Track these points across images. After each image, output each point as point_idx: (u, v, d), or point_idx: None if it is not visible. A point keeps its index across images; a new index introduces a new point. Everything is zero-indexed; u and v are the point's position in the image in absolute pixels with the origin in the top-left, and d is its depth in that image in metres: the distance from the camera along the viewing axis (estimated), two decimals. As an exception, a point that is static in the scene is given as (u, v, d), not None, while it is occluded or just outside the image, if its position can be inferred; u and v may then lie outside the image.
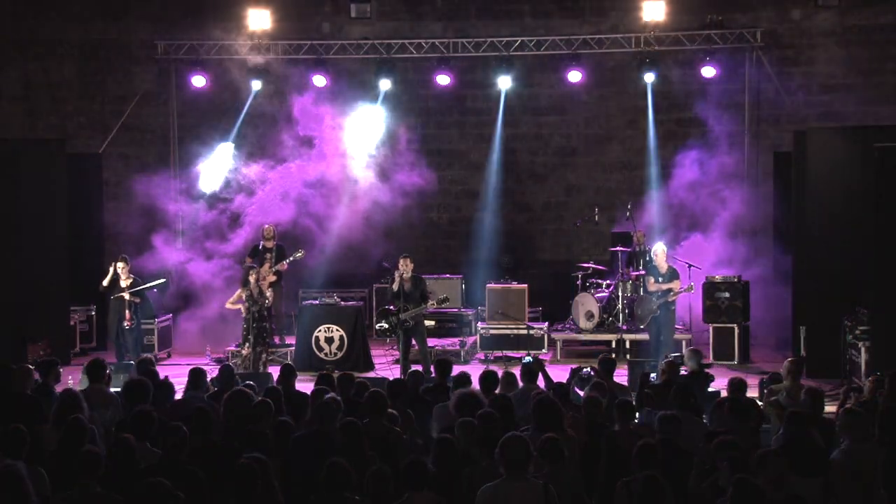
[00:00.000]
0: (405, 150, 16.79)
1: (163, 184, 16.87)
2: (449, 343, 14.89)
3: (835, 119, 16.42)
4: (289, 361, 13.41)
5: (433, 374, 10.37)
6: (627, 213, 15.36)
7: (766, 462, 5.83)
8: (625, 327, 14.72)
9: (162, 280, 14.60)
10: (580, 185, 17.68)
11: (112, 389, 8.92)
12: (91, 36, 17.70)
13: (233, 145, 16.79)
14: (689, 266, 14.33)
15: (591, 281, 15.30)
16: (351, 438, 6.63)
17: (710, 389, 10.40)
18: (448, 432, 6.84)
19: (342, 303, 14.37)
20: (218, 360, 13.39)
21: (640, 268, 14.53)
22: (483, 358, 14.59)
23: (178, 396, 8.98)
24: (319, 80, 16.48)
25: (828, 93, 16.80)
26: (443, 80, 16.55)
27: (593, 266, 15.45)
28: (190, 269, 15.97)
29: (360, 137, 16.57)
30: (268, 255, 14.21)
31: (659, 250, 13.71)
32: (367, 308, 15.51)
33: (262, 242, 14.63)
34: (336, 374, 9.22)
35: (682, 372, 10.16)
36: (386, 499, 5.74)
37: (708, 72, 16.13)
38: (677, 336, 14.02)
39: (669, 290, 13.41)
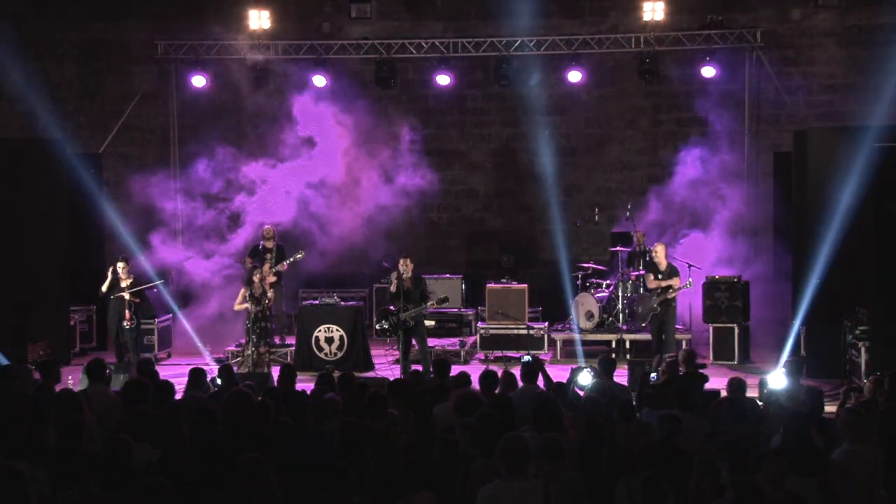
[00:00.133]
0: (405, 151, 16.80)
1: (163, 184, 16.88)
2: (449, 343, 14.90)
3: (835, 119, 16.43)
4: (289, 361, 13.44)
5: (432, 375, 10.35)
6: (627, 213, 15.37)
7: (765, 462, 5.83)
8: (625, 327, 14.72)
9: (161, 280, 14.61)
10: (580, 185, 17.68)
11: (112, 389, 8.92)
12: (91, 36, 17.71)
13: (232, 147, 16.76)
14: (690, 266, 14.32)
15: (591, 281, 15.30)
16: (351, 438, 6.63)
17: (709, 389, 10.41)
18: (448, 432, 6.84)
19: (342, 303, 14.37)
20: (218, 360, 13.39)
21: (641, 268, 14.53)
22: (483, 358, 14.59)
23: (178, 397, 8.97)
24: (319, 80, 16.48)
25: (828, 93, 16.81)
26: (443, 80, 16.55)
27: (593, 266, 15.46)
28: (190, 269, 15.98)
29: (358, 138, 16.57)
30: (268, 256, 14.22)
31: (659, 248, 13.71)
32: (367, 308, 15.52)
33: (262, 242, 14.63)
34: (336, 375, 9.23)
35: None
36: (386, 499, 5.74)
37: (708, 72, 16.14)
38: (677, 336, 14.00)
39: (669, 286, 13.41)
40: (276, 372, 10.74)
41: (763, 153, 16.71)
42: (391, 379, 10.30)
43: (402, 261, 12.90)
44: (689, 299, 14.80)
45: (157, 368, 10.10)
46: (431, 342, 13.85)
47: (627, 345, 14.46)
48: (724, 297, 14.44)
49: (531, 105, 17.43)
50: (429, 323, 14.22)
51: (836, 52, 16.77)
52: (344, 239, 16.53)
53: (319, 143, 16.47)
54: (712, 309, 14.50)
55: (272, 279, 13.63)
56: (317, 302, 14.54)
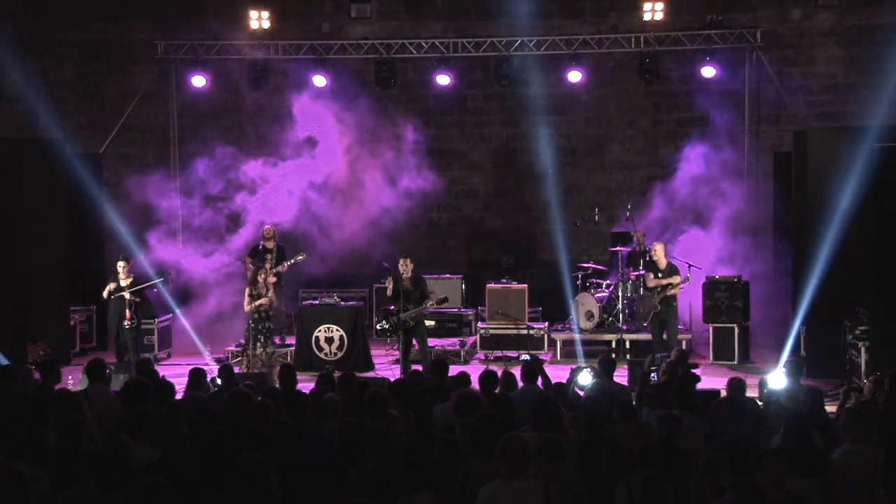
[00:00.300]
0: (405, 151, 16.80)
1: (162, 183, 16.88)
2: (449, 343, 14.90)
3: (835, 119, 16.43)
4: (289, 361, 13.43)
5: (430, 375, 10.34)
6: (627, 213, 15.36)
7: (765, 462, 5.83)
8: (625, 327, 14.72)
9: (161, 279, 14.60)
10: (580, 185, 17.68)
11: (112, 389, 8.92)
12: (91, 36, 17.71)
13: (232, 146, 16.78)
14: (690, 266, 14.32)
15: (591, 281, 15.30)
16: (351, 438, 6.63)
17: (709, 389, 10.41)
18: (448, 432, 6.84)
19: (342, 303, 14.37)
20: (218, 360, 13.38)
21: (641, 268, 14.53)
22: (483, 358, 14.59)
23: (179, 397, 8.97)
24: (319, 80, 16.48)
25: (828, 93, 16.81)
26: (443, 80, 16.55)
27: (593, 266, 15.46)
28: (189, 268, 15.98)
29: (358, 138, 16.58)
30: (268, 256, 14.22)
31: (658, 246, 13.74)
32: (367, 308, 15.51)
33: (262, 243, 14.63)
34: (336, 375, 9.23)
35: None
36: (386, 499, 5.74)
37: (708, 72, 16.14)
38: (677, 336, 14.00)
39: (669, 284, 13.43)
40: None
41: (763, 153, 16.71)
42: (391, 379, 10.31)
43: (401, 261, 12.90)
44: (689, 299, 14.80)
45: (157, 368, 10.11)
46: (431, 342, 13.85)
47: (627, 345, 14.46)
48: (724, 297, 14.44)
49: (531, 105, 17.44)
50: (429, 323, 14.22)
51: (836, 52, 16.77)
52: (344, 239, 16.54)
53: (319, 144, 16.47)
54: (712, 309, 14.49)
55: (272, 279, 13.64)
56: (317, 302, 14.53)
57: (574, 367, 10.88)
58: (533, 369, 9.00)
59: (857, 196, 12.55)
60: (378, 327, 13.08)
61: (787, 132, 15.53)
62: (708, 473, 6.39)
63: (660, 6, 16.37)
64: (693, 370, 10.13)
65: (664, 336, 13.50)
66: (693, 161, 16.16)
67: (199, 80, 16.66)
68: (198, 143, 17.12)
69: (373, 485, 5.82)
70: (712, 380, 12.26)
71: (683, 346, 14.10)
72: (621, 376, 10.59)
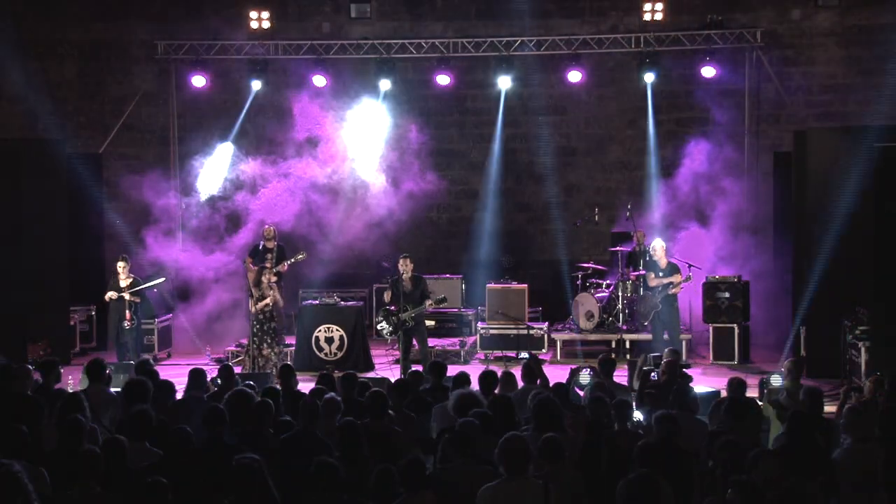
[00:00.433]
0: (405, 151, 16.81)
1: (163, 184, 16.87)
2: (449, 343, 14.91)
3: (835, 119, 16.44)
4: (288, 361, 13.43)
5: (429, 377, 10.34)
6: (627, 213, 15.37)
7: (762, 462, 5.83)
8: (625, 327, 14.72)
9: (161, 279, 14.60)
10: (580, 185, 17.68)
11: (112, 389, 8.92)
12: (91, 36, 17.70)
13: (232, 146, 16.80)
14: (690, 266, 14.33)
15: (591, 281, 15.30)
16: (351, 438, 6.63)
17: (709, 389, 10.43)
18: (448, 432, 6.84)
19: (342, 303, 14.37)
20: (218, 360, 13.39)
21: (641, 268, 14.53)
22: (483, 358, 14.59)
23: (179, 397, 8.96)
24: (319, 80, 16.48)
25: (828, 93, 16.81)
26: (443, 80, 16.54)
27: (593, 266, 15.46)
28: (190, 269, 15.98)
29: (359, 137, 16.58)
30: (268, 256, 14.19)
31: (658, 245, 13.73)
32: (367, 308, 15.51)
33: (262, 242, 14.61)
34: (337, 375, 9.22)
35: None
36: (386, 499, 5.74)
37: (708, 72, 16.14)
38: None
39: (670, 283, 13.43)
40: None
41: (763, 153, 16.71)
42: (391, 379, 10.30)
43: (401, 261, 12.90)
44: (689, 299, 14.80)
45: (157, 368, 10.09)
46: (431, 342, 13.84)
47: (627, 345, 14.46)
48: (724, 297, 14.44)
49: (531, 105, 17.44)
50: (429, 323, 14.23)
51: (836, 52, 16.77)
52: (343, 239, 16.54)
53: (319, 143, 16.47)
54: (712, 309, 14.49)
55: (272, 279, 13.62)
56: (317, 302, 14.53)
57: (574, 367, 10.88)
58: (533, 369, 9.01)
59: (857, 196, 12.56)
60: (378, 328, 13.08)
61: (787, 132, 15.53)
62: (709, 473, 6.39)
63: (660, 6, 16.38)
64: (685, 370, 10.14)
65: (665, 336, 13.49)
66: (693, 161, 16.16)
67: (199, 80, 16.66)
68: (198, 143, 17.11)
69: (373, 485, 5.81)
70: (712, 380, 12.28)
71: (683, 347, 14.14)
72: (621, 376, 10.58)
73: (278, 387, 8.67)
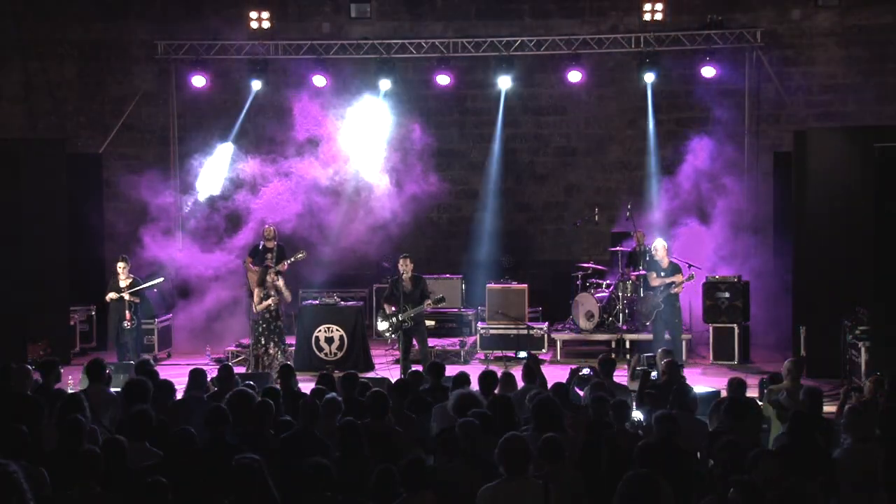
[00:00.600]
0: (405, 151, 16.80)
1: (163, 184, 16.88)
2: (449, 343, 14.91)
3: (835, 119, 16.44)
4: (288, 361, 13.43)
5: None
6: (627, 213, 15.37)
7: (760, 462, 5.83)
8: (625, 327, 14.72)
9: (160, 279, 14.59)
10: (580, 185, 17.68)
11: (112, 389, 8.92)
12: (91, 36, 17.70)
13: (233, 146, 16.81)
14: (690, 266, 14.33)
15: (591, 281, 15.29)
16: (351, 438, 6.63)
17: (709, 389, 10.43)
18: (448, 432, 6.84)
19: (342, 303, 14.37)
20: (218, 360, 13.38)
21: (641, 268, 14.53)
22: (483, 358, 14.59)
23: (178, 397, 8.96)
24: (319, 80, 16.48)
25: (828, 93, 16.81)
26: (443, 80, 16.54)
27: (593, 266, 15.46)
28: (190, 268, 15.98)
29: (359, 138, 16.58)
30: (268, 256, 14.20)
31: (659, 245, 13.73)
32: (367, 308, 15.51)
33: (262, 242, 14.62)
34: (337, 375, 9.22)
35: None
36: (386, 499, 5.74)
37: (708, 72, 16.13)
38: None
39: (672, 283, 13.44)
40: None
41: (763, 153, 16.71)
42: (397, 379, 10.29)
43: (401, 261, 12.89)
44: (689, 299, 14.79)
45: (157, 368, 10.09)
46: (431, 342, 13.84)
47: (627, 345, 14.46)
48: (724, 297, 14.44)
49: (531, 105, 17.44)
50: (429, 323, 14.22)
51: (836, 52, 16.78)
52: (343, 239, 16.54)
53: (319, 143, 16.47)
54: (712, 309, 14.50)
55: (277, 278, 13.59)
56: (317, 302, 14.53)
57: (574, 367, 10.88)
58: (532, 369, 9.01)
59: (857, 196, 12.56)
60: (379, 328, 13.08)
61: (787, 132, 15.53)
62: (711, 473, 6.39)
63: (660, 6, 16.38)
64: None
65: (667, 335, 13.50)
66: (693, 161, 16.15)
67: (199, 80, 16.66)
68: (198, 143, 17.11)
69: (373, 485, 5.81)
70: (712, 380, 12.29)
71: (683, 347, 14.15)
72: (621, 376, 10.59)
73: (278, 387, 8.67)
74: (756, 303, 15.00)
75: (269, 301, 12.56)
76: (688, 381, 9.38)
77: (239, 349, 14.34)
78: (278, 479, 5.90)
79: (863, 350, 11.76)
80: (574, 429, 7.30)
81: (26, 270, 13.76)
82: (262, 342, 12.61)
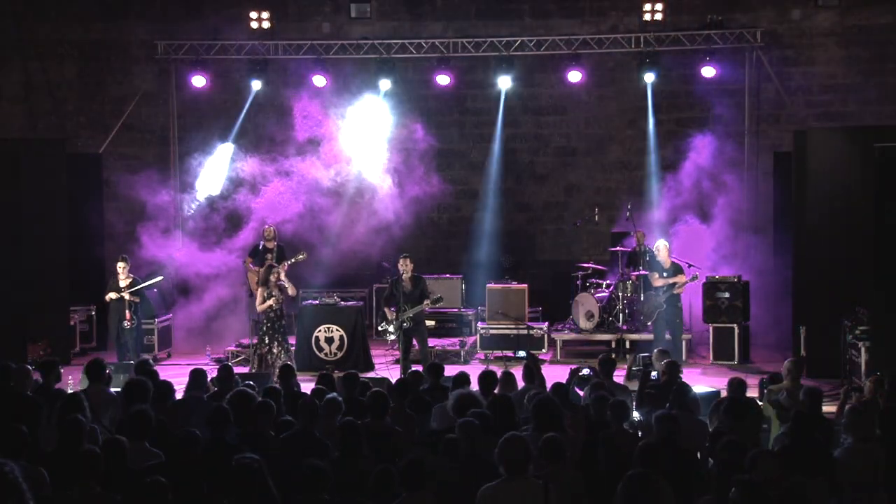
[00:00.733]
0: (405, 151, 16.80)
1: (163, 184, 16.88)
2: (449, 343, 14.90)
3: (835, 119, 16.44)
4: (291, 361, 13.43)
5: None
6: (627, 213, 15.37)
7: (759, 462, 5.83)
8: (625, 327, 14.72)
9: (159, 278, 14.58)
10: (580, 185, 17.68)
11: (112, 389, 8.92)
12: (91, 36, 17.70)
13: (233, 146, 16.81)
14: (689, 265, 14.34)
15: (591, 281, 15.29)
16: (351, 438, 6.63)
17: (709, 389, 10.43)
18: (448, 432, 6.84)
19: (342, 303, 14.36)
20: (218, 360, 13.38)
21: (641, 268, 14.54)
22: (483, 358, 14.59)
23: (178, 397, 8.96)
24: (319, 80, 16.48)
25: (828, 93, 16.81)
26: (443, 80, 16.54)
27: (593, 266, 15.46)
28: (190, 268, 15.97)
29: (359, 138, 16.58)
30: (268, 256, 14.21)
31: (661, 246, 13.75)
32: (367, 308, 15.51)
33: (262, 243, 14.63)
34: (337, 375, 9.22)
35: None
36: (386, 499, 5.74)
37: (708, 72, 16.13)
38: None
39: (674, 283, 13.45)
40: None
41: (763, 153, 16.71)
42: (398, 378, 10.28)
43: (401, 261, 12.89)
44: (689, 299, 14.80)
45: (157, 368, 10.09)
46: (431, 342, 13.84)
47: (627, 345, 14.46)
48: (724, 297, 14.44)
49: (531, 105, 17.44)
50: (429, 323, 14.22)
51: (836, 52, 16.78)
52: (343, 239, 16.55)
53: (319, 143, 16.47)
54: (712, 309, 14.50)
55: (282, 278, 13.58)
56: (317, 302, 14.52)
57: (574, 367, 10.88)
58: (531, 369, 9.01)
59: (857, 196, 12.56)
60: (379, 328, 13.07)
61: (787, 132, 15.53)
62: (711, 473, 6.39)
63: (660, 6, 16.38)
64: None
65: (668, 336, 13.50)
66: (693, 161, 16.15)
67: (199, 80, 16.66)
68: (198, 143, 17.11)
69: (373, 485, 5.81)
70: (712, 380, 12.29)
71: (683, 346, 14.15)
72: (621, 376, 10.59)
73: (278, 387, 8.67)
74: (756, 303, 15.00)
75: (271, 301, 12.55)
76: (688, 382, 9.38)
77: (239, 349, 14.33)
78: (278, 479, 5.90)
79: (863, 350, 11.76)
80: (574, 429, 7.30)
81: (26, 270, 13.77)
82: (266, 341, 12.60)
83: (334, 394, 7.92)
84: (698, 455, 7.36)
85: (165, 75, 17.25)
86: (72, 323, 15.07)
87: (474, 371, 9.32)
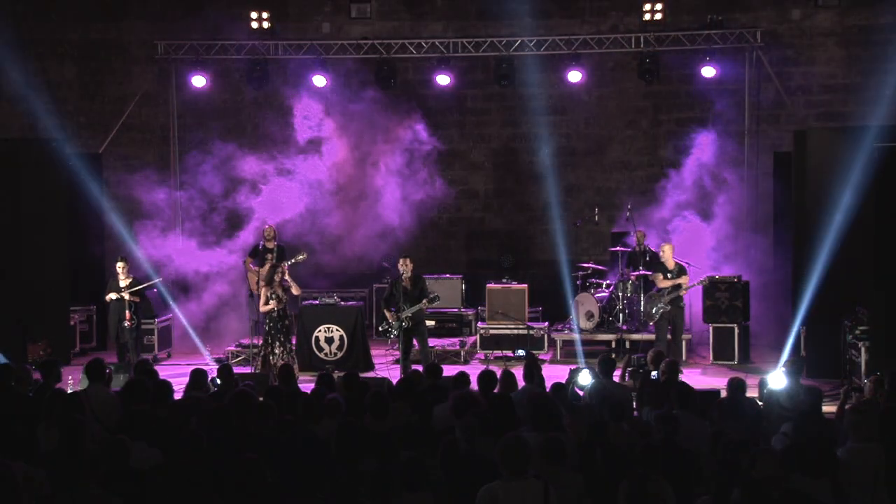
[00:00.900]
0: (405, 151, 16.80)
1: (163, 183, 16.88)
2: (449, 343, 14.90)
3: (835, 119, 16.44)
4: (294, 361, 13.42)
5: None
6: (627, 213, 15.38)
7: (759, 462, 5.83)
8: (625, 327, 14.72)
9: (157, 279, 14.56)
10: (580, 185, 17.68)
11: (112, 389, 8.92)
12: (91, 36, 17.71)
13: (233, 146, 16.77)
14: (689, 265, 14.33)
15: (591, 281, 15.29)
16: (351, 438, 6.63)
17: (709, 389, 10.42)
18: (448, 432, 6.84)
19: (342, 303, 14.36)
20: (218, 360, 13.38)
21: (640, 268, 14.54)
22: (483, 358, 14.59)
23: (177, 397, 8.96)
24: (319, 80, 16.48)
25: (828, 93, 16.81)
26: (443, 80, 16.54)
27: (593, 266, 15.45)
28: (189, 268, 15.97)
29: (358, 138, 16.58)
30: (268, 256, 14.19)
31: (666, 248, 13.77)
32: (367, 308, 15.51)
33: (262, 243, 14.62)
34: (337, 375, 9.22)
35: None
36: (385, 499, 5.74)
37: (708, 72, 16.13)
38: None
39: (679, 285, 13.48)
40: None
41: (763, 153, 16.70)
42: (391, 379, 10.30)
43: (401, 261, 12.88)
44: (689, 299, 14.78)
45: (157, 368, 10.09)
46: (431, 342, 13.83)
47: (627, 345, 14.45)
48: (724, 297, 14.44)
49: (531, 105, 17.44)
50: (429, 323, 14.21)
51: (836, 52, 16.78)
52: (343, 239, 16.54)
53: (318, 143, 16.48)
54: (712, 309, 14.50)
55: (289, 279, 13.56)
56: (317, 302, 14.52)
57: (574, 367, 10.88)
58: (531, 369, 9.01)
59: (857, 196, 12.56)
60: (380, 328, 13.07)
61: (787, 132, 15.53)
62: (715, 473, 6.39)
63: (660, 6, 16.37)
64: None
65: (669, 336, 13.51)
66: (693, 161, 16.16)
67: (199, 80, 16.66)
68: (198, 143, 17.11)
69: (372, 485, 5.81)
70: (712, 380, 12.29)
71: (683, 346, 14.16)
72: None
73: (279, 387, 8.67)
74: (756, 303, 15.00)
75: (272, 305, 12.55)
76: (687, 382, 9.38)
77: (239, 349, 14.33)
78: (277, 479, 5.90)
79: (863, 350, 11.76)
80: (574, 429, 7.30)
81: (26, 270, 13.78)
82: (269, 341, 12.61)
83: (334, 394, 7.92)
84: (699, 455, 7.36)
85: (165, 75, 17.25)
86: (72, 323, 15.06)
87: (474, 371, 9.32)
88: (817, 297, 13.11)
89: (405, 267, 12.77)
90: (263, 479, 5.61)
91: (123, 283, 13.56)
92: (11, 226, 13.78)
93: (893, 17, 16.41)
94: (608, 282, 15.24)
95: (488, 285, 15.29)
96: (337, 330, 13.90)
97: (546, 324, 15.33)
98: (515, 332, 14.76)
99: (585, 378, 9.55)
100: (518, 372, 9.20)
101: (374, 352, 14.11)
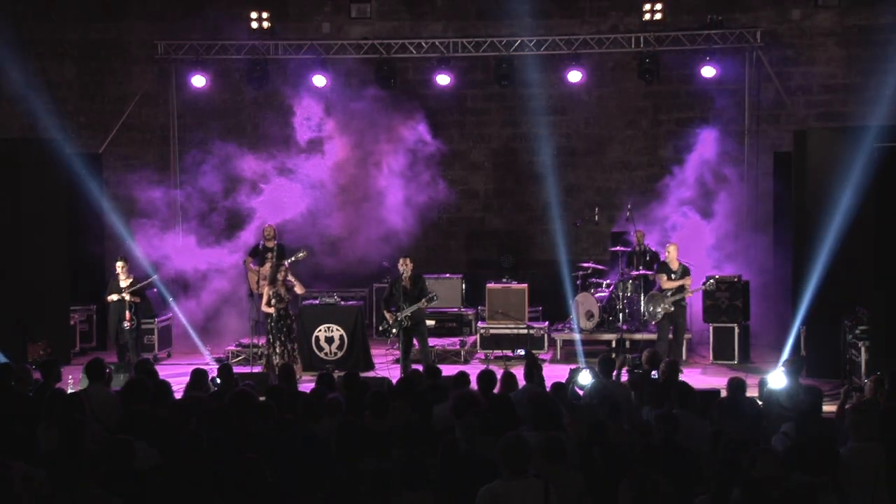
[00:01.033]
0: (405, 151, 16.80)
1: (162, 183, 16.88)
2: (449, 343, 14.90)
3: (835, 119, 16.44)
4: (297, 361, 13.41)
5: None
6: (627, 213, 15.38)
7: (759, 461, 5.83)
8: (625, 327, 14.72)
9: (153, 277, 14.54)
10: (580, 185, 17.68)
11: (112, 389, 8.92)
12: (91, 36, 17.71)
13: (232, 146, 16.77)
14: (690, 265, 14.32)
15: (591, 281, 15.30)
16: (351, 438, 6.63)
17: (709, 389, 10.42)
18: (448, 432, 6.84)
19: (342, 302, 14.36)
20: (218, 360, 13.38)
21: (640, 267, 14.54)
22: (483, 358, 14.59)
23: (177, 396, 8.96)
24: (319, 80, 16.48)
25: (828, 93, 16.81)
26: (443, 80, 16.54)
27: (593, 266, 15.46)
28: (190, 268, 15.97)
29: (358, 137, 16.57)
30: (269, 255, 14.20)
31: (670, 248, 13.77)
32: (367, 308, 15.51)
33: (262, 242, 14.62)
34: (337, 374, 9.22)
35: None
36: (385, 499, 5.75)
37: (708, 72, 16.13)
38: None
39: (682, 286, 13.49)
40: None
41: (763, 153, 16.70)
42: (392, 379, 10.29)
43: (401, 260, 12.89)
44: (689, 299, 14.77)
45: (157, 368, 10.09)
46: (431, 342, 13.83)
47: (628, 344, 14.46)
48: (724, 297, 14.44)
49: (531, 105, 17.43)
50: (429, 323, 14.22)
51: (836, 52, 16.78)
52: (343, 238, 16.55)
53: (318, 143, 16.47)
54: (712, 309, 14.50)
55: (291, 278, 13.55)
56: (317, 302, 14.52)
57: (574, 366, 10.87)
58: (530, 368, 9.01)
59: (857, 196, 12.56)
60: (380, 328, 13.08)
61: (787, 132, 15.53)
62: (715, 472, 6.39)
63: (659, 6, 16.37)
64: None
65: (670, 336, 13.51)
66: (693, 161, 16.16)
67: (199, 80, 16.65)
68: (198, 143, 17.11)
69: (372, 485, 5.81)
70: (712, 380, 12.29)
71: (684, 346, 14.15)
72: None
73: (278, 386, 8.67)
74: (756, 302, 15.00)
75: (270, 308, 12.56)
76: (687, 381, 9.37)
77: (239, 349, 14.34)
78: (278, 478, 5.90)
79: (863, 350, 11.76)
80: (574, 428, 7.30)
81: (26, 270, 13.79)
82: (271, 341, 12.62)
83: (334, 393, 7.92)
84: (699, 455, 7.36)
85: (165, 75, 17.25)
86: (72, 323, 15.06)
87: (474, 371, 9.32)
88: (817, 296, 13.11)
89: (405, 267, 12.78)
90: (263, 479, 5.61)
91: (124, 283, 13.57)
92: (11, 226, 13.78)
93: (893, 17, 16.41)
94: (608, 281, 15.24)
95: (488, 285, 15.29)
96: (337, 330, 13.90)
97: (546, 323, 15.33)
98: (515, 331, 14.76)
99: (585, 378, 9.55)
100: (518, 372, 9.21)
101: (374, 351, 14.11)
